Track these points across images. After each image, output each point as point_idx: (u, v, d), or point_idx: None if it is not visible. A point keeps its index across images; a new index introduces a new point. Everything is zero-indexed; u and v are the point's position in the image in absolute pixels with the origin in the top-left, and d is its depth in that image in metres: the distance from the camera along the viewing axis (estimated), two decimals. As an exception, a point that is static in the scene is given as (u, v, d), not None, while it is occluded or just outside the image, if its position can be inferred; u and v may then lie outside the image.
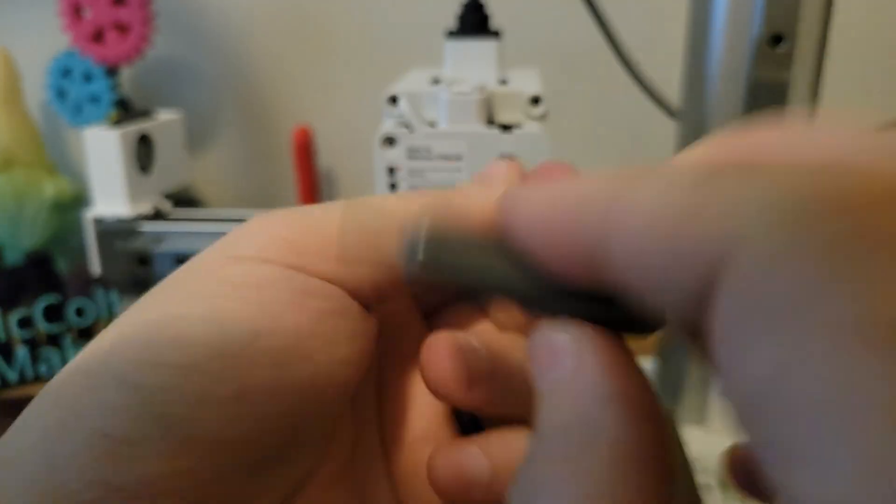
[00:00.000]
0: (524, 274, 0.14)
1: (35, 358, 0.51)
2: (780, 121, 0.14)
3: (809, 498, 0.09)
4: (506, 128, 0.27)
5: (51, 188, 0.68)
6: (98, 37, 0.66)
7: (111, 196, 0.39)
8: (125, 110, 0.69)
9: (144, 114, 0.40)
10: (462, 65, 0.31)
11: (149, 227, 0.38)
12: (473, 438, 0.19)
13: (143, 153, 0.40)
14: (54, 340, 0.52)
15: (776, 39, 0.40)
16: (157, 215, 0.40)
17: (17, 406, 0.50)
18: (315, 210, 0.18)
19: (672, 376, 0.53)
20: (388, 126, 0.27)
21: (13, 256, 0.67)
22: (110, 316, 0.54)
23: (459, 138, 0.27)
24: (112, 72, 0.67)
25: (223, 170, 0.79)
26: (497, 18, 0.32)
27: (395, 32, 0.72)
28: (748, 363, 0.09)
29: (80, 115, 0.68)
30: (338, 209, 0.18)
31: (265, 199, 0.79)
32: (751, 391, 0.09)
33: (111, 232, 0.38)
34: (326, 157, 0.76)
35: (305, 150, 0.69)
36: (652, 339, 0.59)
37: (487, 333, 0.19)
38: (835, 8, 0.41)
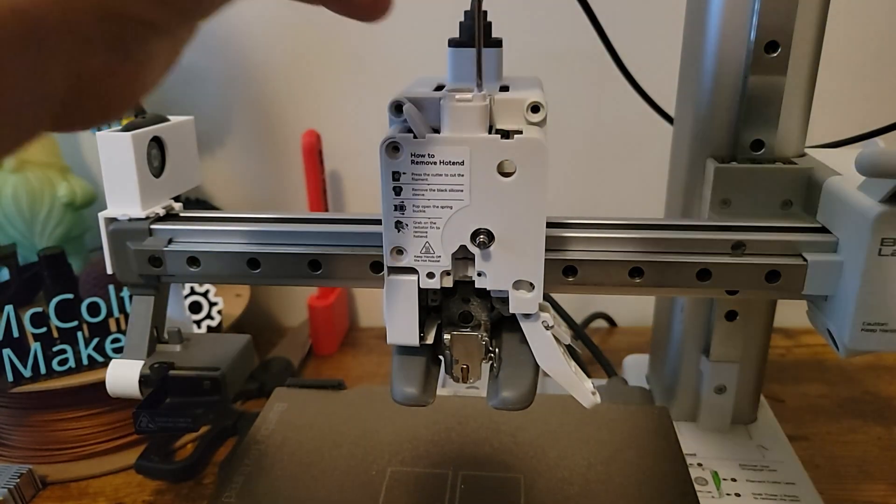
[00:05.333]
0: None
1: (48, 354, 0.53)
2: None
3: None
4: (506, 134, 0.28)
5: (64, 189, 0.69)
6: (110, 41, 0.67)
7: (124, 198, 0.40)
8: (138, 113, 0.70)
9: (157, 116, 0.41)
10: (464, 72, 0.32)
11: (161, 227, 0.39)
12: None
13: (156, 155, 0.41)
14: (67, 337, 0.54)
15: (771, 46, 0.41)
16: (169, 216, 0.41)
17: (31, 400, 0.51)
18: None
19: (665, 374, 0.54)
20: (393, 132, 0.28)
21: (27, 255, 0.68)
22: (122, 313, 0.55)
23: (461, 144, 0.28)
24: (123, 75, 0.68)
25: (233, 173, 0.80)
26: (499, 25, 0.33)
27: (401, 41, 0.73)
28: None
29: (91, 117, 0.69)
30: None
31: (274, 202, 0.80)
32: None
33: (124, 232, 0.39)
34: (333, 161, 0.77)
35: (314, 153, 0.71)
36: (647, 338, 0.60)
37: None
38: (828, 16, 0.42)
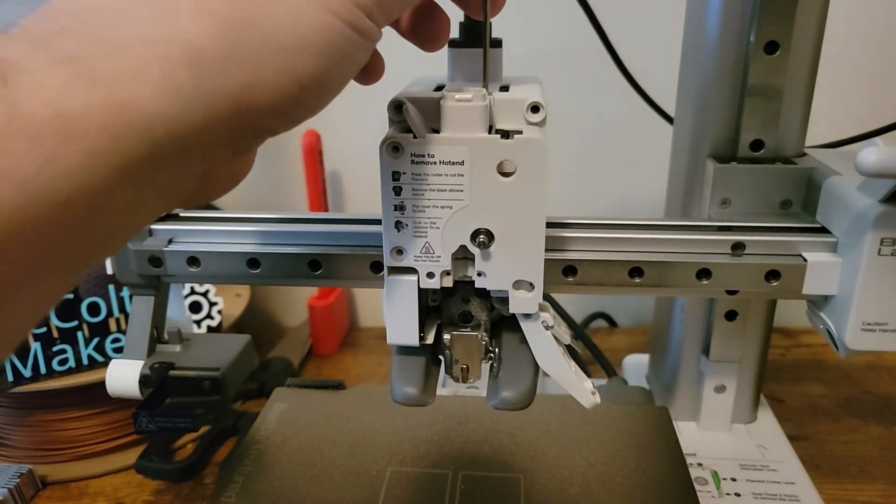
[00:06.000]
0: None
1: (48, 354, 0.53)
2: None
3: None
4: (506, 134, 0.28)
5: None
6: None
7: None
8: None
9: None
10: (464, 72, 0.32)
11: (161, 227, 0.39)
12: None
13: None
14: (67, 337, 0.54)
15: (771, 46, 0.41)
16: (169, 216, 0.41)
17: (31, 400, 0.51)
18: None
19: (665, 374, 0.54)
20: (393, 132, 0.28)
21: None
22: (122, 313, 0.55)
23: (461, 144, 0.28)
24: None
25: (231, 171, 0.80)
26: (499, 25, 0.33)
27: (401, 41, 0.73)
28: None
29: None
30: None
31: (274, 201, 0.80)
32: None
33: (124, 232, 0.39)
34: (333, 161, 0.77)
35: (314, 153, 0.71)
36: (647, 338, 0.60)
37: None
38: (827, 16, 0.42)
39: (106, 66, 0.17)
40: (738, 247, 0.35)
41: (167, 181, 0.20)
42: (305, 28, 0.20)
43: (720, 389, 0.51)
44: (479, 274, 0.30)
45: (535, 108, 0.29)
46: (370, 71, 0.28)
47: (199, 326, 0.62)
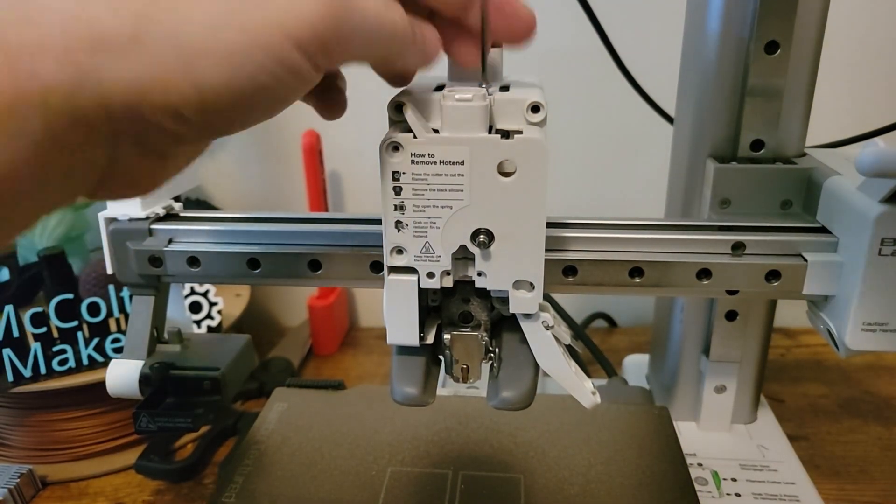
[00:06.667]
0: None
1: (48, 354, 0.53)
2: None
3: None
4: (506, 134, 0.28)
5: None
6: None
7: (124, 197, 0.39)
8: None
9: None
10: (464, 72, 0.32)
11: (161, 227, 0.39)
12: None
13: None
14: (67, 337, 0.54)
15: (771, 46, 0.41)
16: (169, 216, 0.41)
17: (31, 400, 0.51)
18: None
19: (666, 373, 0.54)
20: (393, 132, 0.28)
21: (27, 255, 0.68)
22: (122, 313, 0.55)
23: (461, 144, 0.28)
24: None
25: (233, 172, 0.80)
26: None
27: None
28: None
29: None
30: None
31: (274, 202, 0.80)
32: None
33: (124, 232, 0.39)
34: (333, 161, 0.77)
35: (314, 153, 0.71)
36: (647, 338, 0.60)
37: None
38: (828, 16, 0.42)
39: (15, 37, 0.18)
40: (738, 247, 0.35)
41: (69, 163, 0.20)
42: (219, 44, 0.20)
43: (720, 389, 0.51)
44: (479, 274, 0.30)
45: (535, 108, 0.29)
46: (327, 106, 0.28)
47: (199, 326, 0.62)
